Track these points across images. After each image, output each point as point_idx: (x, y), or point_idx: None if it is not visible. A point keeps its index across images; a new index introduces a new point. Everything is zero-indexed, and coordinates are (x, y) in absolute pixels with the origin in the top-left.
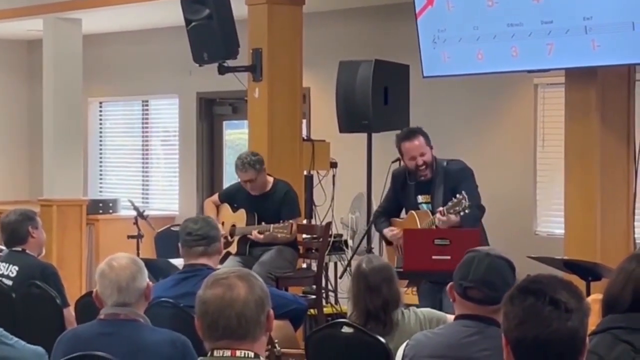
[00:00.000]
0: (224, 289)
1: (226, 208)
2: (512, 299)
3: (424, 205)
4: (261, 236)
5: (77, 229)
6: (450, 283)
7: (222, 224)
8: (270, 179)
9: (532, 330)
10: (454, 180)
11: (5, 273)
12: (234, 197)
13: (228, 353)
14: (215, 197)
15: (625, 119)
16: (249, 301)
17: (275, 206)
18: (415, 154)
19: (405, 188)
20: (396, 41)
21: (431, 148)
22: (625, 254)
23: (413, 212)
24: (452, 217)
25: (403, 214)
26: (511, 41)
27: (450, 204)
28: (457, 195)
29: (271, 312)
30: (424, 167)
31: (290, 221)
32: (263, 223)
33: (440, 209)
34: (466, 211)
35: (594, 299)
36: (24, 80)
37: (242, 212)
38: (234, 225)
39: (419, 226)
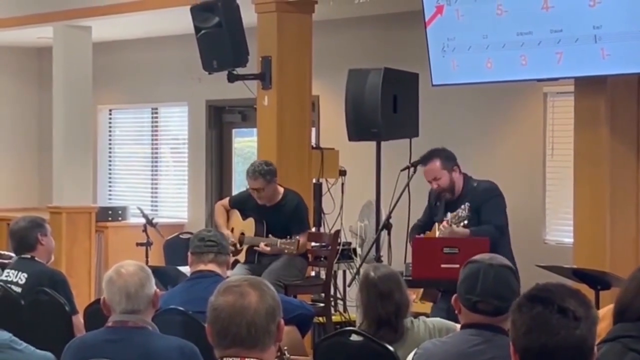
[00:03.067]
0: (235, 296)
1: (236, 214)
2: (520, 307)
3: None
4: (268, 248)
5: (86, 237)
6: (455, 295)
7: (232, 230)
8: (281, 189)
9: (539, 338)
10: (479, 200)
11: (14, 280)
12: (244, 205)
13: None
14: (226, 201)
15: (634, 128)
16: (260, 310)
17: (285, 218)
18: (429, 178)
19: (437, 204)
20: (405, 49)
21: (451, 171)
22: (635, 262)
23: (437, 224)
24: (454, 227)
25: None
26: (520, 50)
27: (454, 213)
28: (462, 206)
29: (282, 322)
30: (441, 190)
31: (298, 237)
32: (270, 235)
33: (447, 218)
34: (465, 222)
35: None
36: (34, 88)
37: (251, 221)
38: (242, 234)
39: (437, 236)
